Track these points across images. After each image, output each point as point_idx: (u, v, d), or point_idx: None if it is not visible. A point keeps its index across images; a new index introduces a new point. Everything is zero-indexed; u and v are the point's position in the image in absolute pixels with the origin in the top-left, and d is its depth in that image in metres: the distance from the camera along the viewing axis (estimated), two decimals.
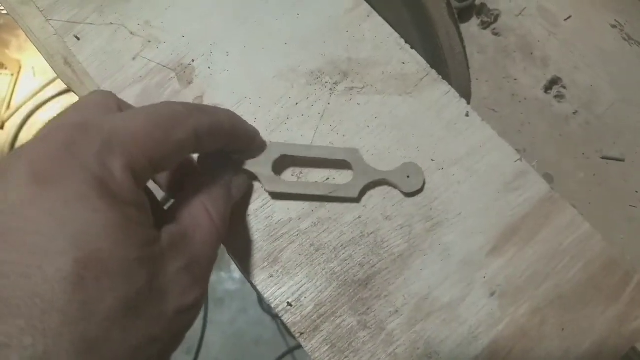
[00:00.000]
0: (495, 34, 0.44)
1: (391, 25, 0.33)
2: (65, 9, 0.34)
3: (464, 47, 0.35)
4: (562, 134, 0.41)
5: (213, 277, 1.29)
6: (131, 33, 0.33)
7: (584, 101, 0.42)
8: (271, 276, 0.29)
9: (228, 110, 0.27)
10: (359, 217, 0.30)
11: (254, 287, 0.29)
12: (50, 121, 0.22)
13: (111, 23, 0.34)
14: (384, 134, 0.31)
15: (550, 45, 0.43)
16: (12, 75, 1.43)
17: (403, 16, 0.35)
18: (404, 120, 0.31)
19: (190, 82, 0.32)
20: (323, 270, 0.29)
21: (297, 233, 0.29)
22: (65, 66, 0.37)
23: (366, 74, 0.32)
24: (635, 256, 0.37)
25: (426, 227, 0.29)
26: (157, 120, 0.22)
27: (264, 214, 0.30)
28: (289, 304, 0.28)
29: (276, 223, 0.30)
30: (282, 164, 0.30)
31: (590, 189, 0.39)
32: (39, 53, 0.38)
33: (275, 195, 0.30)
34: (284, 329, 1.23)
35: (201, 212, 0.24)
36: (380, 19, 0.33)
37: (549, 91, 0.42)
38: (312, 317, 0.28)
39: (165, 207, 0.26)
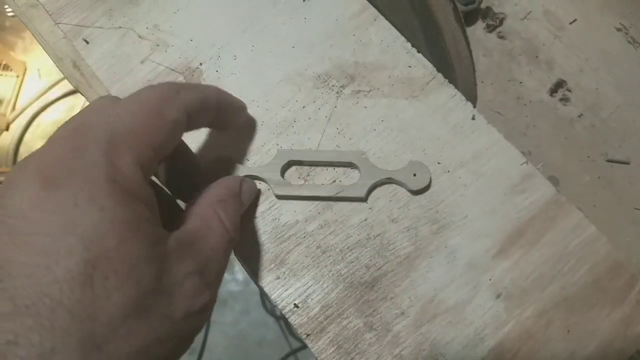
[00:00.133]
0: (501, 37, 0.44)
1: (398, 29, 0.33)
2: (74, 12, 0.35)
3: (470, 51, 0.35)
4: (567, 136, 0.41)
5: None
6: (140, 37, 0.34)
7: (589, 104, 0.42)
8: (278, 278, 0.29)
9: (213, 85, 0.27)
10: (365, 219, 0.30)
11: (260, 288, 0.29)
12: (57, 129, 0.22)
13: (120, 27, 0.34)
14: (391, 137, 0.31)
15: (556, 49, 0.44)
16: (18, 76, 1.44)
17: (409, 20, 0.35)
18: (411, 124, 0.31)
19: None
20: (329, 272, 0.29)
21: (303, 235, 0.30)
22: (74, 69, 0.37)
23: (373, 78, 0.32)
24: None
25: (432, 229, 0.29)
26: (150, 105, 0.22)
27: (270, 216, 0.30)
28: (296, 306, 0.28)
29: (283, 225, 0.30)
30: (287, 165, 0.31)
31: (596, 192, 0.39)
32: (44, 55, 0.39)
33: (283, 197, 0.30)
34: (287, 331, 1.23)
35: (213, 218, 0.24)
36: (386, 22, 0.33)
37: (554, 94, 0.42)
38: (319, 319, 0.28)
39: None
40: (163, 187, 0.28)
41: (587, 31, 0.44)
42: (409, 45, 0.33)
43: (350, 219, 0.30)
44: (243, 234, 0.29)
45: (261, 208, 0.30)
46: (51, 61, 0.38)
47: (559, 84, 0.42)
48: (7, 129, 1.41)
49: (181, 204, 0.28)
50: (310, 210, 0.30)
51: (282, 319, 1.23)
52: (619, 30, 0.44)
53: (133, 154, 0.20)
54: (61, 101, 1.43)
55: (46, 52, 0.38)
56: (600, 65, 0.43)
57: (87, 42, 0.34)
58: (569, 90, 0.42)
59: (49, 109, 1.43)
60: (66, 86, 1.41)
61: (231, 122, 0.29)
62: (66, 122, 0.21)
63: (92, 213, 0.18)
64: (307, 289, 0.29)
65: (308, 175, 0.31)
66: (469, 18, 0.44)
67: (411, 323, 0.28)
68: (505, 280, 0.29)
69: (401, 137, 0.31)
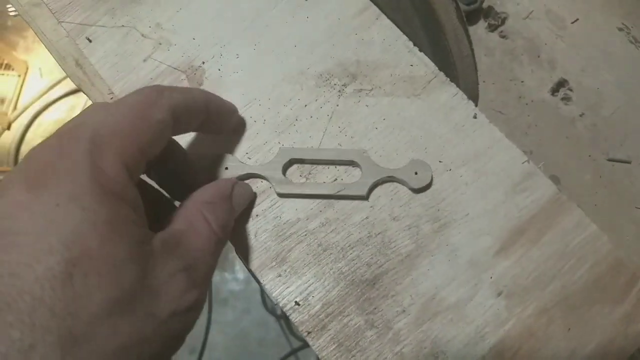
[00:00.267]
0: (503, 37, 0.44)
1: (400, 28, 0.33)
2: (77, 11, 0.35)
3: (472, 50, 0.35)
4: (568, 136, 0.41)
5: (217, 278, 1.30)
6: (142, 35, 0.34)
7: (591, 103, 0.42)
8: (279, 275, 0.29)
9: (201, 89, 0.28)
10: (367, 217, 0.30)
11: (261, 286, 0.29)
12: (50, 135, 0.23)
13: (123, 25, 0.34)
14: (392, 136, 0.31)
15: (557, 48, 0.44)
16: (19, 76, 1.44)
17: (411, 19, 0.35)
18: (412, 122, 0.31)
19: (200, 84, 0.33)
20: (331, 270, 0.29)
21: (305, 233, 0.30)
22: (76, 68, 0.37)
23: (374, 76, 0.33)
24: None
25: (434, 227, 0.30)
26: (135, 108, 0.22)
27: (272, 214, 0.30)
28: (297, 303, 0.28)
29: (284, 223, 0.30)
30: (289, 163, 0.31)
31: (597, 191, 0.40)
32: (46, 54, 0.39)
33: (284, 195, 0.30)
34: (287, 330, 1.23)
35: (199, 219, 0.24)
36: (388, 21, 0.33)
37: (555, 93, 0.42)
38: (320, 316, 0.28)
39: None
40: (158, 187, 0.28)
41: (589, 31, 0.44)
42: (410, 44, 0.33)
43: (351, 217, 0.30)
44: (244, 232, 0.30)
45: (262, 206, 0.30)
46: (53, 60, 0.38)
47: (561, 84, 0.42)
48: (8, 128, 1.42)
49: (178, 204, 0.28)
50: (311, 209, 0.30)
51: (282, 318, 1.23)
52: (620, 30, 0.44)
53: (117, 154, 0.20)
54: (63, 100, 1.44)
55: (49, 50, 0.38)
56: (601, 65, 0.43)
57: (90, 41, 0.34)
58: (571, 90, 0.42)
59: (51, 108, 1.43)
60: (68, 85, 1.41)
61: (222, 125, 0.29)
62: (58, 128, 0.22)
63: (74, 213, 0.18)
64: (309, 286, 0.29)
65: (309, 173, 0.31)
66: (471, 17, 0.44)
67: (412, 321, 0.28)
68: (506, 279, 0.29)
69: (403, 135, 0.31)
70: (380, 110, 0.32)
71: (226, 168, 0.30)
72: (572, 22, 0.44)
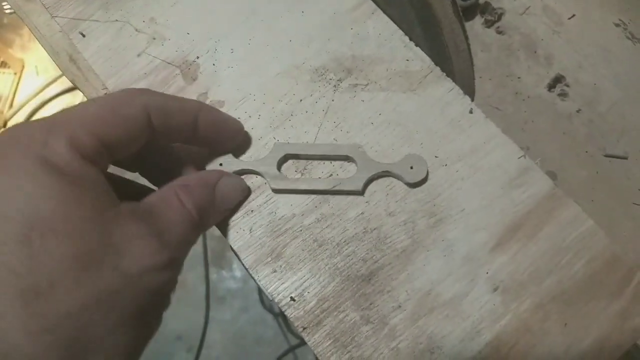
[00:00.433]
0: (499, 33, 0.44)
1: (395, 23, 0.33)
2: (71, 6, 0.34)
3: (468, 45, 0.35)
4: (565, 132, 0.41)
5: (214, 276, 1.30)
6: (136, 30, 0.34)
7: (588, 99, 0.42)
8: (274, 271, 0.29)
9: (197, 101, 0.28)
10: (362, 213, 0.30)
11: (256, 282, 0.29)
12: None
13: (116, 20, 0.34)
14: (388, 131, 0.31)
15: (554, 44, 0.43)
16: (15, 74, 1.44)
17: (407, 13, 0.35)
18: (408, 117, 0.31)
19: (194, 79, 0.33)
20: (326, 265, 0.29)
21: (300, 229, 0.29)
22: (70, 63, 0.37)
23: (370, 71, 0.32)
24: (638, 253, 0.37)
25: (429, 223, 0.29)
26: (105, 101, 0.23)
27: (267, 209, 0.30)
28: (292, 299, 0.28)
29: (279, 219, 0.30)
30: (284, 159, 0.31)
31: (594, 187, 0.39)
32: (41, 52, 0.39)
33: (279, 191, 0.30)
34: (285, 328, 1.23)
35: (172, 197, 0.24)
36: (384, 16, 0.33)
37: (552, 89, 0.42)
38: (315, 312, 0.28)
39: None
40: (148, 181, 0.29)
41: (586, 26, 0.44)
42: (406, 38, 0.33)
43: (347, 213, 0.30)
44: (239, 228, 0.29)
45: (257, 202, 0.30)
46: (49, 58, 0.38)
47: (558, 79, 0.42)
48: (4, 126, 1.41)
49: None
50: (307, 204, 0.30)
51: (280, 316, 1.23)
52: (617, 25, 0.44)
53: (67, 137, 0.21)
54: (59, 98, 1.43)
55: (42, 46, 0.38)
56: (598, 61, 0.43)
57: (84, 36, 0.34)
58: (567, 86, 0.42)
59: (47, 107, 1.43)
60: (64, 83, 1.40)
61: (221, 142, 0.29)
62: None
63: (25, 183, 0.19)
64: (304, 282, 0.29)
65: (305, 169, 0.31)
66: (467, 13, 0.44)
67: (408, 316, 0.28)
68: (502, 274, 0.29)
69: (398, 130, 0.31)
70: (375, 105, 0.32)
71: (220, 164, 0.30)
72: (569, 18, 0.44)
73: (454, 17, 0.33)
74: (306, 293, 0.28)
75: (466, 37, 0.35)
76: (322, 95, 0.32)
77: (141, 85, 0.32)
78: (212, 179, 0.27)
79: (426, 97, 0.32)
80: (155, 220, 0.23)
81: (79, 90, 0.37)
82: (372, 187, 0.30)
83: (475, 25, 0.44)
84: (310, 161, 0.31)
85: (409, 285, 0.28)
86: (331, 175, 0.30)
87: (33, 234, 0.19)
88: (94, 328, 0.19)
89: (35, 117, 1.42)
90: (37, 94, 1.42)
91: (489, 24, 0.44)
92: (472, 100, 0.32)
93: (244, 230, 0.29)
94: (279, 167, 0.30)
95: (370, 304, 0.28)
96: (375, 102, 0.32)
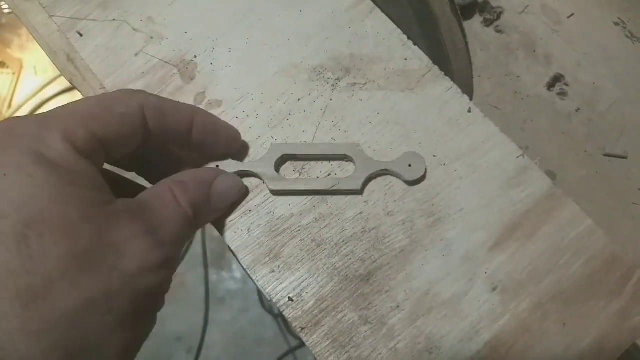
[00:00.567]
0: (498, 32, 0.44)
1: (394, 22, 0.33)
2: (68, 5, 0.34)
3: (466, 43, 0.35)
4: (564, 131, 0.41)
5: (214, 277, 1.29)
6: (134, 29, 0.34)
7: (587, 98, 0.42)
8: (272, 271, 0.29)
9: (193, 105, 0.28)
10: (361, 212, 0.30)
11: (254, 283, 0.29)
12: None
13: (114, 19, 0.34)
14: (386, 130, 0.31)
15: (553, 43, 0.43)
16: (14, 74, 1.43)
17: (406, 12, 0.35)
18: (406, 116, 0.31)
19: (192, 78, 0.32)
20: (324, 265, 0.29)
21: (298, 229, 0.29)
22: (68, 62, 0.37)
23: (368, 70, 0.32)
24: (637, 253, 0.37)
25: (428, 222, 0.29)
26: (100, 99, 0.23)
27: (265, 209, 0.30)
28: (290, 299, 0.28)
29: (277, 219, 0.30)
30: (281, 160, 0.30)
31: (593, 187, 0.39)
32: (40, 52, 0.39)
33: (277, 192, 0.30)
34: (285, 329, 1.23)
35: (165, 193, 0.24)
36: (382, 15, 0.33)
37: (551, 88, 0.42)
38: (314, 312, 0.28)
39: None
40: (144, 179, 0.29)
41: (585, 25, 0.44)
42: (405, 37, 0.33)
43: (345, 213, 0.30)
44: (237, 228, 0.29)
45: (256, 201, 0.30)
46: (47, 58, 0.38)
47: (557, 78, 0.42)
48: None
49: None
50: (305, 204, 0.30)
51: (280, 317, 1.23)
52: (616, 24, 0.44)
53: (62, 132, 0.21)
54: (57, 98, 1.43)
55: (40, 45, 0.38)
56: (597, 60, 0.43)
57: (81, 35, 0.34)
58: (567, 85, 0.42)
59: (45, 106, 1.43)
60: (62, 83, 1.40)
61: (215, 146, 0.29)
62: None
63: (21, 180, 0.19)
64: (302, 282, 0.28)
65: (303, 169, 0.31)
66: (466, 12, 0.44)
67: (406, 316, 0.28)
68: (501, 274, 0.28)
69: (397, 129, 0.31)
70: (374, 104, 0.31)
71: (217, 166, 0.29)
72: (568, 17, 0.44)
73: (452, 16, 0.33)
74: (304, 293, 0.28)
75: (464, 36, 0.35)
76: (320, 95, 0.32)
77: (139, 84, 0.32)
78: (209, 177, 0.27)
79: (424, 96, 0.32)
80: (150, 217, 0.23)
81: (77, 89, 0.37)
82: (370, 186, 0.30)
83: (474, 24, 0.44)
84: (308, 162, 0.31)
85: (408, 285, 0.28)
86: (329, 175, 0.30)
87: (30, 232, 0.18)
88: (92, 329, 0.19)
89: None
90: (36, 94, 1.42)
91: (488, 23, 0.44)
92: (471, 99, 0.32)
93: (242, 230, 0.29)
94: (276, 168, 0.30)
95: (369, 304, 0.28)
96: (374, 101, 0.32)
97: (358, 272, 0.28)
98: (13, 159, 0.19)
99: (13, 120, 0.21)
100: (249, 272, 0.29)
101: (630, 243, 0.37)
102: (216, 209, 0.28)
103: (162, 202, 0.24)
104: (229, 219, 0.29)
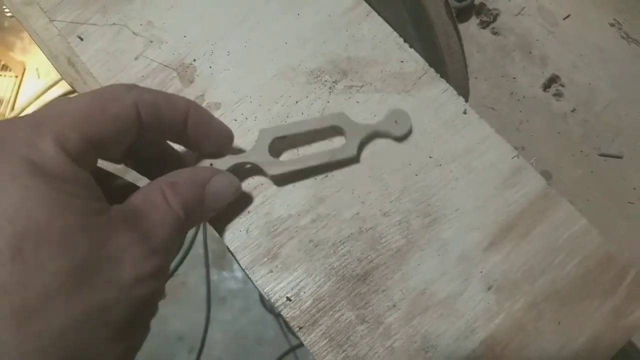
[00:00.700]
0: (495, 33, 0.44)
1: (390, 25, 0.33)
2: (69, 9, 0.35)
3: (461, 46, 0.35)
4: (560, 131, 0.41)
5: (215, 277, 1.30)
6: (134, 33, 0.34)
7: (583, 99, 0.42)
8: (271, 271, 0.29)
9: (187, 98, 0.26)
10: (358, 213, 0.30)
11: (253, 283, 0.30)
12: None
13: (114, 23, 0.34)
14: None
15: (549, 44, 0.44)
16: (16, 77, 1.44)
17: (402, 15, 0.35)
18: None
19: (191, 82, 0.33)
20: (322, 265, 0.29)
21: (296, 229, 0.30)
22: (68, 66, 0.37)
23: (365, 73, 0.33)
24: (633, 252, 0.37)
25: (424, 223, 0.30)
26: (92, 98, 0.22)
27: (263, 210, 0.30)
28: (288, 299, 0.29)
29: (276, 219, 0.30)
30: (278, 149, 0.31)
31: (589, 186, 0.40)
32: (42, 55, 0.39)
33: (280, 181, 0.30)
34: (286, 328, 1.23)
35: (157, 195, 0.24)
36: (379, 18, 0.34)
37: (547, 89, 0.43)
38: (311, 312, 0.28)
39: None
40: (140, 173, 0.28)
41: (581, 27, 0.44)
42: (401, 40, 0.33)
43: (342, 213, 0.30)
44: (235, 228, 0.30)
45: (254, 202, 0.30)
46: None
47: (553, 80, 0.43)
48: None
49: None
50: (302, 205, 0.30)
51: (281, 317, 1.23)
52: (612, 25, 0.44)
53: (54, 137, 0.20)
54: None
55: (41, 49, 0.38)
56: (593, 61, 0.43)
57: (82, 39, 0.34)
58: (563, 86, 0.42)
59: (51, 103, 1.43)
60: (65, 86, 1.41)
61: (208, 142, 0.28)
62: None
63: (16, 191, 0.18)
64: (300, 282, 0.29)
65: (297, 154, 0.31)
66: (463, 14, 0.44)
67: (403, 315, 0.28)
68: (496, 273, 0.29)
69: None
70: (370, 106, 0.32)
71: (211, 164, 0.29)
72: (564, 18, 0.44)
73: (447, 19, 0.34)
74: (302, 293, 0.29)
75: (459, 38, 0.35)
76: (317, 97, 0.32)
77: None
78: (203, 176, 0.26)
79: (420, 98, 0.32)
80: (142, 223, 0.22)
81: (78, 93, 0.37)
82: (367, 187, 0.30)
83: (471, 26, 0.44)
84: (300, 147, 0.31)
85: (404, 284, 0.29)
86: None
87: (25, 246, 0.18)
88: (88, 344, 0.19)
89: None
90: (39, 96, 1.43)
91: (484, 24, 0.44)
92: (466, 101, 0.32)
93: (241, 231, 0.30)
94: (271, 154, 0.29)
95: (366, 304, 0.28)
96: (370, 103, 0.32)
97: (355, 272, 0.29)
98: (5, 169, 0.19)
99: (4, 124, 0.20)
100: (247, 272, 0.29)
101: (625, 242, 0.38)
102: (210, 209, 0.27)
103: (153, 205, 0.23)
104: (227, 220, 0.30)
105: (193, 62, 0.33)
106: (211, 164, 0.29)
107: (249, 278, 0.29)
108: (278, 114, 0.32)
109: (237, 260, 0.30)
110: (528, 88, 0.42)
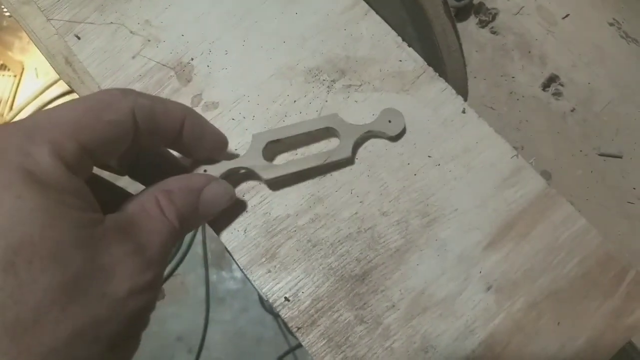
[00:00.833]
0: (494, 33, 0.44)
1: (388, 24, 0.33)
2: (66, 8, 0.35)
3: (460, 45, 0.35)
4: (559, 131, 0.41)
5: (214, 277, 1.30)
6: (131, 32, 0.34)
7: (582, 99, 0.42)
8: (269, 272, 0.29)
9: (183, 104, 0.26)
10: (356, 213, 0.30)
11: (251, 283, 0.29)
12: None
13: (111, 22, 0.34)
14: None
15: (548, 44, 0.44)
16: (15, 76, 1.44)
17: (400, 14, 0.35)
18: None
19: (189, 81, 0.33)
20: (320, 265, 0.29)
21: (294, 229, 0.30)
22: (66, 65, 0.37)
23: (364, 72, 0.33)
24: (633, 252, 0.37)
25: (423, 222, 0.30)
26: (88, 104, 0.22)
27: (261, 210, 0.30)
28: (287, 299, 0.28)
29: (274, 219, 0.30)
30: (272, 153, 0.30)
31: (588, 186, 0.40)
32: (41, 54, 0.39)
33: (275, 185, 0.30)
34: (285, 328, 1.23)
35: (151, 204, 0.23)
36: (377, 17, 0.33)
37: (546, 89, 0.42)
38: (310, 312, 0.28)
39: None
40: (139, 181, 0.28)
41: (580, 26, 0.44)
42: (399, 39, 0.33)
43: (341, 213, 0.30)
44: (234, 229, 0.30)
45: (252, 202, 0.30)
46: None
47: (552, 79, 0.43)
48: None
49: None
50: (301, 204, 0.30)
51: (280, 317, 1.23)
52: (611, 25, 0.44)
53: (49, 145, 0.19)
54: (58, 101, 1.43)
55: (39, 48, 0.38)
56: (592, 60, 0.43)
57: (79, 38, 0.34)
58: (562, 85, 0.42)
59: (47, 109, 1.43)
60: (63, 86, 1.41)
61: (202, 149, 0.27)
62: None
63: (10, 201, 0.18)
64: (298, 282, 0.29)
65: (292, 157, 0.31)
66: (461, 13, 0.44)
67: (402, 316, 0.28)
68: (496, 273, 0.29)
69: None
70: (369, 105, 0.32)
71: (205, 170, 0.28)
72: (563, 18, 0.44)
73: (445, 18, 0.34)
74: (300, 293, 0.28)
75: (458, 38, 0.35)
76: (316, 96, 0.32)
77: (136, 87, 0.33)
78: (198, 184, 0.26)
79: (419, 97, 0.32)
80: (137, 233, 0.22)
81: (75, 92, 0.37)
82: (365, 187, 0.30)
83: (470, 26, 0.44)
84: (295, 150, 0.31)
85: (403, 284, 0.29)
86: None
87: (18, 260, 0.17)
88: (80, 359, 0.19)
89: None
90: (37, 96, 1.42)
91: (483, 24, 0.44)
92: (465, 100, 0.32)
93: (239, 231, 0.30)
94: (265, 158, 0.29)
95: (364, 304, 0.28)
96: (369, 102, 0.32)
97: (354, 272, 0.29)
98: (0, 178, 0.18)
99: (4, 131, 0.20)
100: (245, 273, 0.29)
101: (625, 242, 0.38)
102: (204, 217, 0.27)
103: (148, 215, 0.23)
104: (225, 220, 0.30)
105: (191, 61, 0.33)
106: (205, 170, 0.28)
107: (247, 278, 0.29)
108: (276, 113, 0.32)
109: (235, 261, 0.30)
110: (527, 87, 0.42)
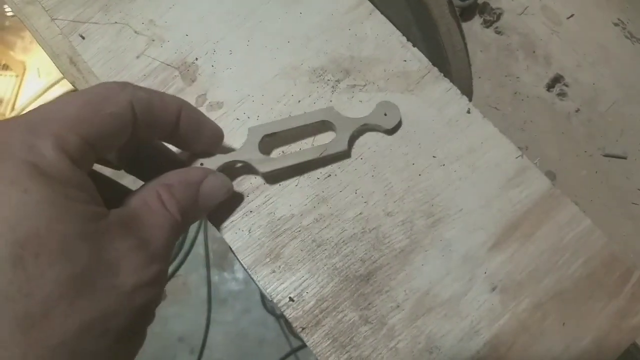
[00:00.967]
0: (498, 33, 0.44)
1: (393, 23, 0.33)
2: (71, 8, 0.35)
3: (465, 44, 0.35)
4: (564, 131, 0.41)
5: (216, 278, 1.30)
6: (135, 32, 0.34)
7: (587, 99, 0.42)
8: (273, 272, 0.29)
9: (180, 98, 0.26)
10: (361, 213, 0.30)
11: (255, 283, 0.29)
12: None
13: (116, 22, 0.34)
14: None
15: (553, 44, 0.43)
16: (17, 76, 1.44)
17: (405, 14, 0.35)
18: (406, 117, 0.31)
19: (193, 80, 0.33)
20: (325, 265, 0.29)
21: (299, 229, 0.30)
22: (70, 65, 0.37)
23: (368, 72, 0.32)
24: (637, 253, 0.37)
25: (427, 223, 0.29)
26: (87, 98, 0.22)
27: (266, 210, 0.30)
28: (291, 299, 0.28)
29: (278, 219, 0.30)
30: (268, 147, 0.30)
31: (593, 187, 0.39)
32: (43, 54, 0.39)
33: (272, 178, 0.30)
34: (287, 330, 1.23)
35: (153, 198, 0.23)
36: (382, 17, 0.33)
37: (551, 89, 0.42)
38: (314, 312, 0.28)
39: None
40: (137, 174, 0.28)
41: (585, 26, 0.44)
42: (404, 39, 0.33)
43: (345, 213, 0.30)
44: (238, 228, 0.30)
45: (256, 202, 0.30)
46: (51, 61, 0.38)
47: (556, 79, 0.42)
48: None
49: None
50: (305, 205, 0.30)
51: (282, 318, 1.23)
52: (616, 25, 0.44)
53: (53, 139, 0.19)
54: None
55: (43, 48, 0.38)
56: (597, 60, 0.43)
57: (83, 38, 0.34)
58: (566, 85, 0.42)
59: (45, 103, 1.43)
60: (65, 86, 1.41)
61: (198, 141, 0.27)
62: None
63: (16, 195, 0.18)
64: (303, 282, 0.29)
65: (289, 151, 0.31)
66: (466, 13, 0.44)
67: (406, 316, 0.28)
68: (501, 273, 0.29)
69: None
70: (373, 105, 0.32)
71: (201, 164, 0.29)
72: (568, 18, 0.44)
73: (450, 18, 0.33)
74: (305, 293, 0.28)
75: (463, 38, 0.35)
76: (320, 96, 0.32)
77: None
78: (197, 177, 0.26)
79: (424, 97, 0.32)
80: (140, 227, 0.22)
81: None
82: (369, 187, 0.30)
83: (474, 26, 0.44)
84: (291, 144, 0.31)
85: (408, 285, 0.28)
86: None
87: (26, 253, 0.17)
88: (89, 352, 0.19)
89: None
90: (39, 96, 1.42)
91: (487, 24, 0.44)
92: (470, 100, 0.32)
93: (243, 231, 0.30)
94: (261, 151, 0.29)
95: (369, 304, 0.28)
96: (373, 102, 0.32)
97: (358, 272, 0.29)
98: (4, 172, 0.18)
99: (2, 125, 0.20)
100: (250, 273, 0.29)
101: (630, 243, 0.38)
102: (203, 210, 0.27)
103: (150, 209, 0.23)
104: (230, 220, 0.30)
105: (195, 61, 0.33)
106: (202, 164, 0.29)
107: (252, 278, 0.29)
108: (280, 113, 0.32)
109: (239, 261, 0.30)
110: (532, 88, 0.42)
